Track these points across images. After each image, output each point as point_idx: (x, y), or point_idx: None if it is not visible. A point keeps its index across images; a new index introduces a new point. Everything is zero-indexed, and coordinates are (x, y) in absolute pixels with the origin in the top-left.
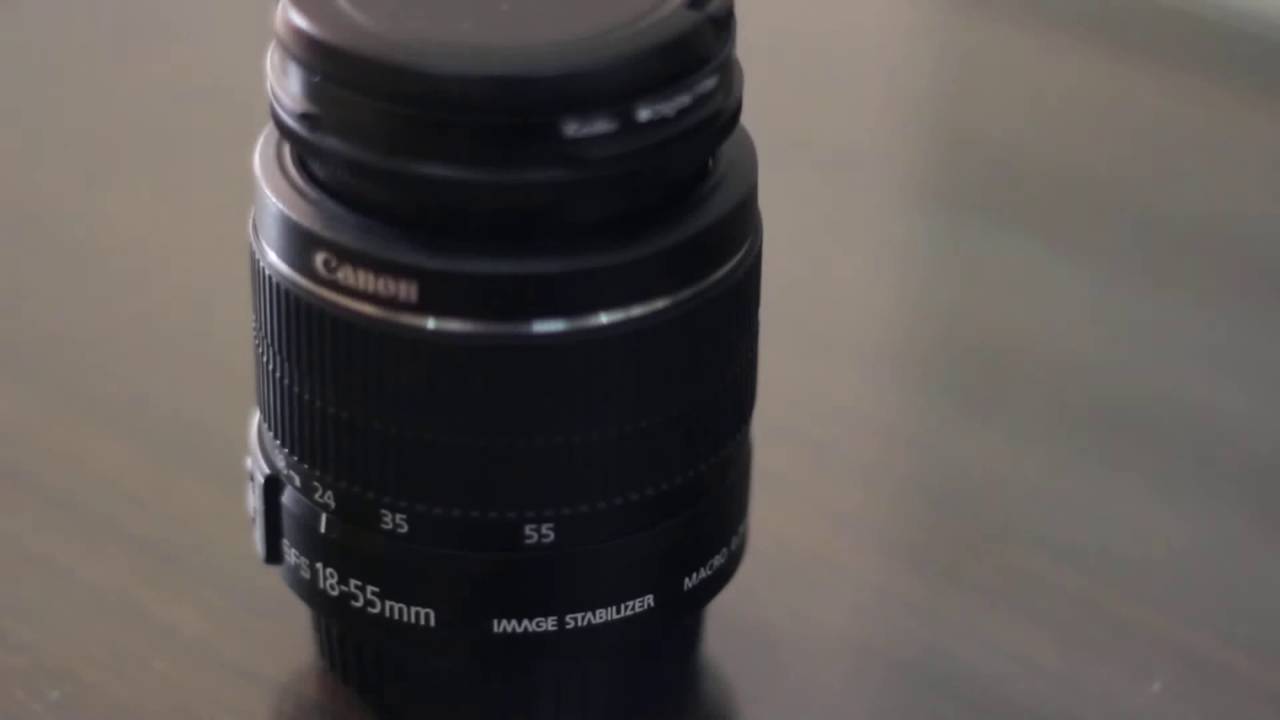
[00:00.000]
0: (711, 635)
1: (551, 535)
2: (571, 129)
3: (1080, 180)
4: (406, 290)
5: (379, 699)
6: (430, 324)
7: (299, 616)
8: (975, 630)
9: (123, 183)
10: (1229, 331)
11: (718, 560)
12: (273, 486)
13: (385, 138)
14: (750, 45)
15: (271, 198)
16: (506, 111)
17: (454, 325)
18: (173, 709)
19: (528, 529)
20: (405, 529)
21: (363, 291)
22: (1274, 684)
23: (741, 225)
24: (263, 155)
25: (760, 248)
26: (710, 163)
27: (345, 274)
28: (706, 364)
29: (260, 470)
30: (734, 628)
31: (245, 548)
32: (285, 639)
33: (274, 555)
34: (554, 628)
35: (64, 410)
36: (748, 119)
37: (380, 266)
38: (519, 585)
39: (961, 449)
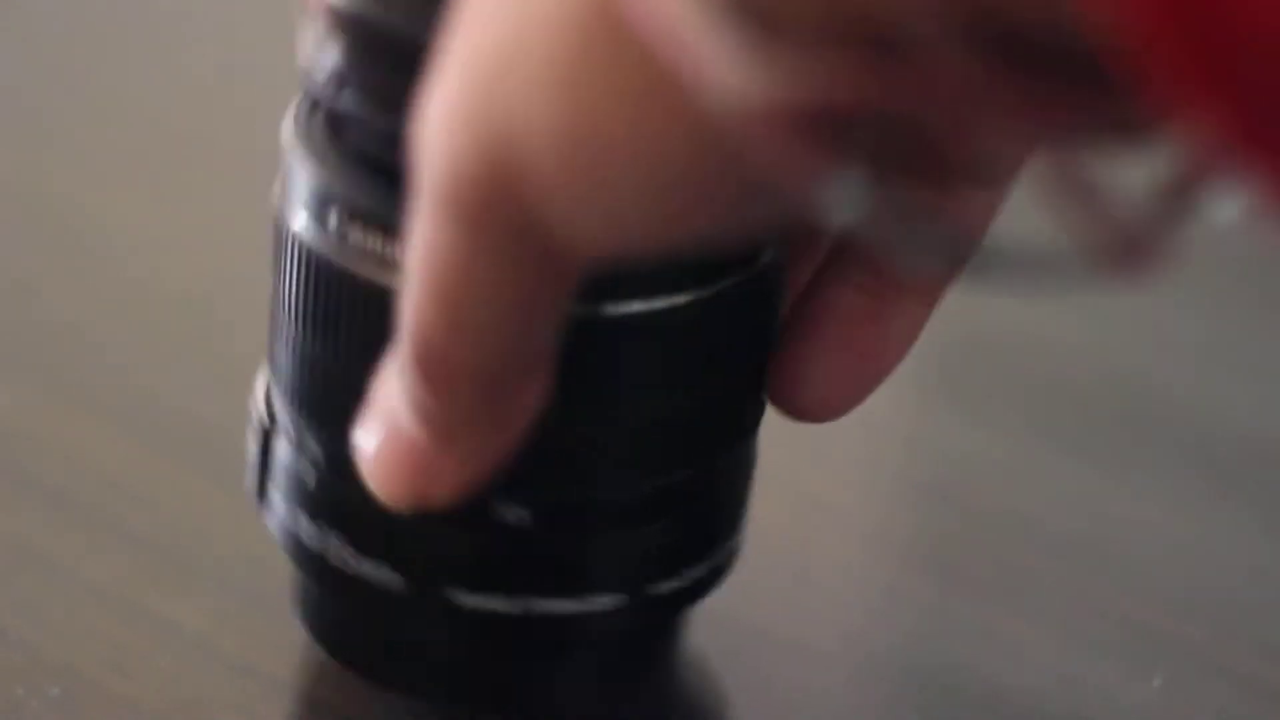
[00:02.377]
0: (699, 631)
1: (529, 519)
2: None
3: None
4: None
5: (357, 665)
6: None
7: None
8: (973, 626)
9: (127, 180)
10: (1230, 326)
11: (696, 571)
12: (268, 434)
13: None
14: None
15: (296, 159)
16: None
17: None
18: (173, 705)
19: (503, 509)
20: None
21: (374, 254)
22: (1274, 680)
23: None
24: (291, 122)
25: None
26: None
27: (370, 239)
28: (711, 366)
29: (259, 416)
30: (723, 623)
31: (247, 544)
32: (286, 635)
33: (262, 493)
34: (519, 611)
35: (64, 407)
36: None
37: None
38: (488, 563)
39: (958, 444)
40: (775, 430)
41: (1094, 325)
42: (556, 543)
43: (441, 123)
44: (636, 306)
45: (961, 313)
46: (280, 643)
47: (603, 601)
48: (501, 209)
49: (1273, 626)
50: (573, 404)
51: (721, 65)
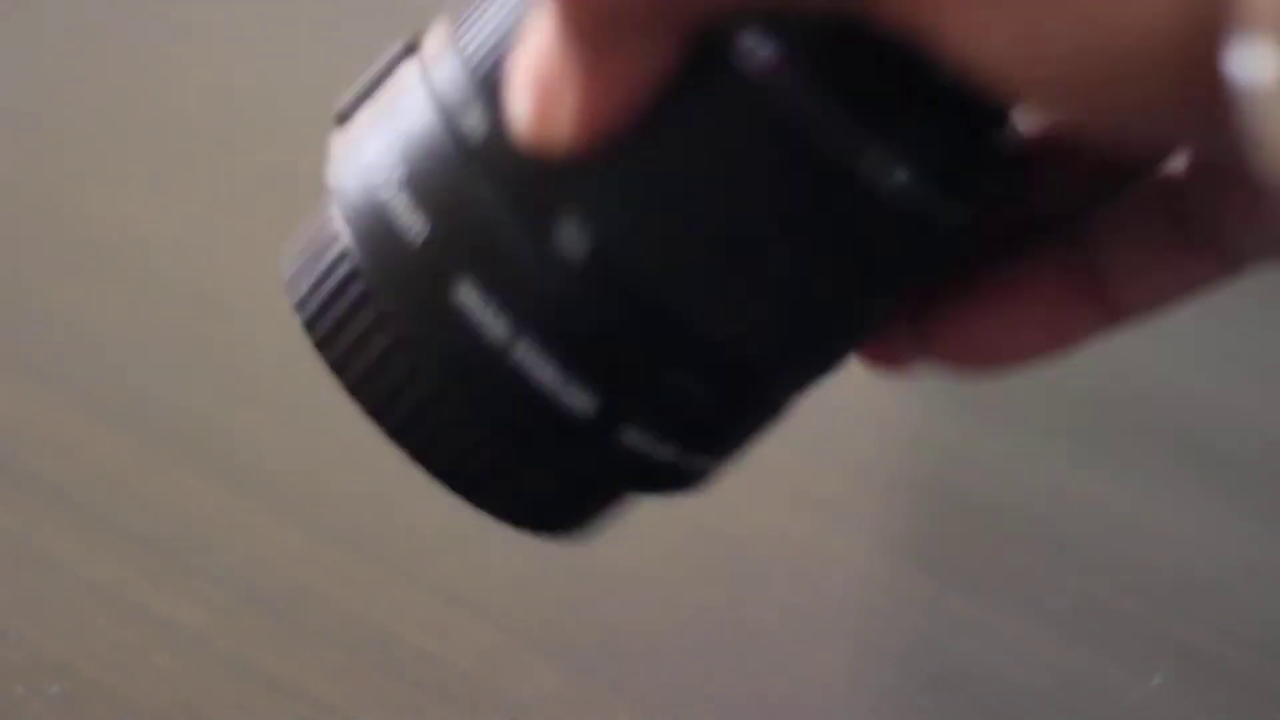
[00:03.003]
0: (701, 627)
1: (581, 254)
2: None
3: None
4: None
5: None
6: None
7: (300, 613)
8: (973, 625)
9: (127, 180)
10: (1229, 327)
11: (668, 451)
12: (402, 55)
13: None
14: None
15: None
16: None
17: None
18: (173, 704)
19: (566, 225)
20: (477, 139)
21: None
22: (1273, 679)
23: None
24: None
25: None
26: None
27: None
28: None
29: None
30: (722, 620)
31: (246, 543)
32: (286, 634)
33: (346, 116)
34: (500, 338)
35: (64, 405)
36: None
37: None
38: (504, 264)
39: (958, 442)
40: (775, 430)
41: None
42: (584, 299)
43: None
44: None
45: None
46: (280, 642)
47: (575, 396)
48: None
49: (1273, 626)
50: (710, 178)
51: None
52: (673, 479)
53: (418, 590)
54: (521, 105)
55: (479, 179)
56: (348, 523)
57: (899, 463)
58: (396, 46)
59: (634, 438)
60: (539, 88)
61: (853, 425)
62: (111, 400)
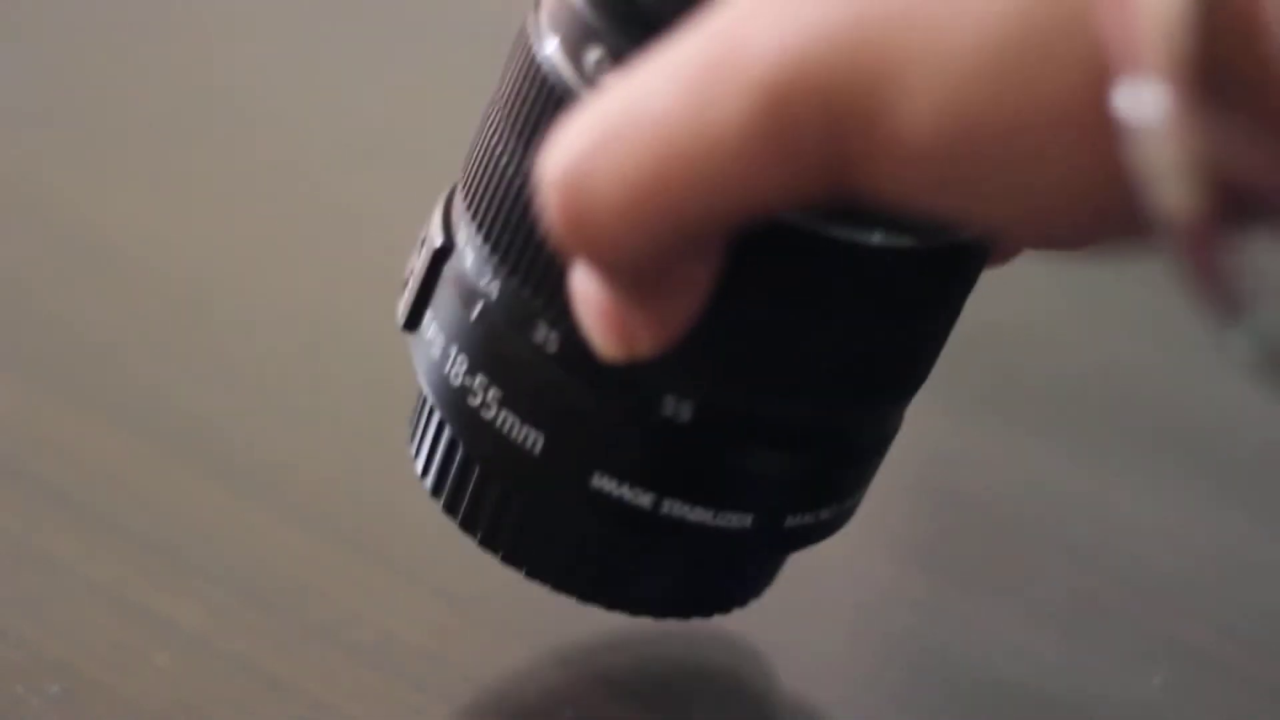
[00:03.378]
0: (701, 627)
1: (688, 415)
2: None
3: None
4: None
5: (477, 529)
6: None
7: (301, 612)
8: (972, 624)
9: (128, 179)
10: None
11: (825, 513)
12: (441, 256)
13: None
14: None
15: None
16: None
17: None
18: (173, 703)
19: (668, 398)
20: (554, 348)
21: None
22: (1273, 678)
23: None
24: None
25: None
26: None
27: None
28: (911, 317)
29: (436, 237)
30: (720, 620)
31: (246, 542)
32: (286, 633)
33: (413, 322)
34: (648, 505)
35: (64, 404)
36: None
37: None
38: (636, 449)
39: (958, 441)
40: None
41: (1093, 323)
42: (706, 445)
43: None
44: (876, 239)
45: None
46: (280, 641)
47: (732, 519)
48: (818, 110)
49: (1273, 626)
50: (770, 311)
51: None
52: (833, 524)
53: (418, 590)
54: (598, 336)
55: (573, 386)
56: (348, 522)
57: (899, 463)
58: (431, 244)
59: (794, 521)
60: (607, 321)
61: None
62: (111, 400)
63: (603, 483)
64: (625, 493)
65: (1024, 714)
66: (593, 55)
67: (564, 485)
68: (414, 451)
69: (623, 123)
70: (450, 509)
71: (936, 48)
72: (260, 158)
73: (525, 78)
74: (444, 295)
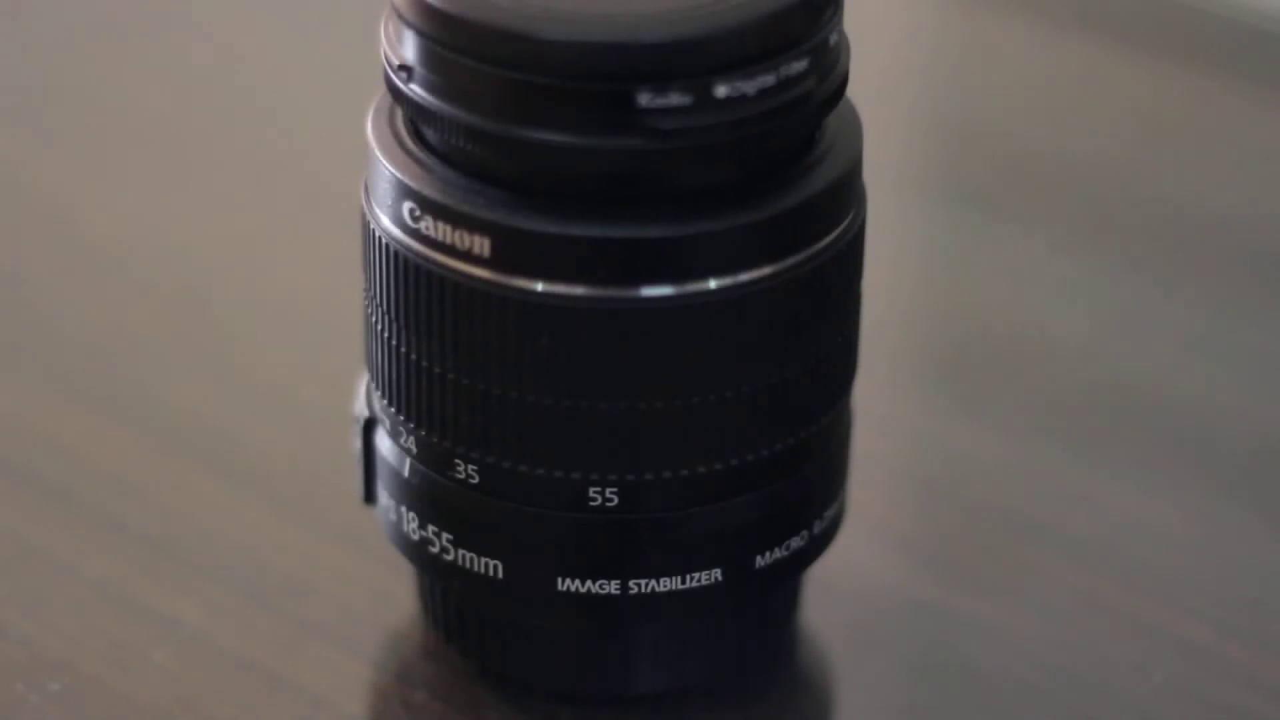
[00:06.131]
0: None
1: (616, 500)
2: (645, 99)
3: (1078, 172)
4: (480, 245)
5: (479, 658)
6: (539, 286)
7: (299, 610)
8: (974, 623)
9: (128, 178)
10: (1228, 322)
11: (796, 542)
12: (369, 429)
13: (479, 97)
14: None
15: (381, 158)
16: (581, 77)
17: (561, 288)
18: (172, 701)
19: (592, 491)
20: (476, 479)
21: (443, 244)
22: (1272, 676)
23: (846, 195)
24: (375, 120)
25: (864, 218)
26: (817, 133)
27: (440, 230)
28: (802, 335)
29: (363, 411)
30: None
31: (246, 540)
32: (285, 631)
33: (370, 496)
34: (617, 591)
35: (64, 403)
36: None
37: (462, 221)
38: (582, 546)
39: (960, 442)
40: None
41: (1096, 324)
42: (647, 521)
43: None
44: (712, 284)
45: (964, 312)
46: (279, 639)
47: (701, 577)
48: None
49: (1273, 625)
50: (648, 386)
51: None
52: (824, 542)
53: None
54: None
55: (504, 508)
56: (347, 521)
57: (899, 462)
58: (359, 419)
59: (765, 560)
60: None
61: (855, 424)
62: (111, 398)
63: (569, 585)
64: (592, 587)
65: (1024, 713)
66: (406, 207)
67: (534, 600)
68: (423, 612)
69: None
70: (461, 650)
71: None
72: (260, 157)
73: (368, 249)
74: (382, 464)
